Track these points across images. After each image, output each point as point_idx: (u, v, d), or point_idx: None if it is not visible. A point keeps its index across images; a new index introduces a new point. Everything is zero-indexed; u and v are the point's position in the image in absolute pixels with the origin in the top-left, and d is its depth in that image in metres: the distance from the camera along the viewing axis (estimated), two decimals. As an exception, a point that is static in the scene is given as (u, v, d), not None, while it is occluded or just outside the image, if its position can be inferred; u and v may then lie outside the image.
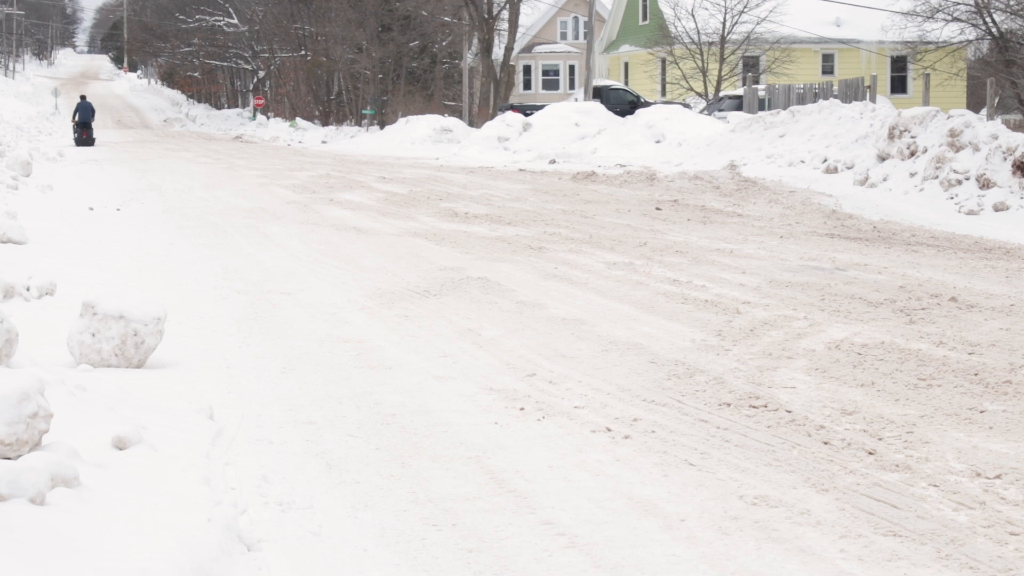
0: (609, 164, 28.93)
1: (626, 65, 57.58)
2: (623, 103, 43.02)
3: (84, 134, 42.87)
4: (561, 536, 5.06)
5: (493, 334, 9.18)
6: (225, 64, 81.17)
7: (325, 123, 59.73)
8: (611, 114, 37.08)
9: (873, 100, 28.94)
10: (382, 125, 52.61)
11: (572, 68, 64.89)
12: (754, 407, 6.97)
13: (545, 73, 65.92)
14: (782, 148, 25.60)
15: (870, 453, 6.10)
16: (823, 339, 8.78)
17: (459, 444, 6.34)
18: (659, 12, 51.93)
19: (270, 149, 44.98)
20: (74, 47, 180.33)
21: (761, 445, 6.27)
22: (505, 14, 52.97)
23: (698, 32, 48.38)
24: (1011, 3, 32.74)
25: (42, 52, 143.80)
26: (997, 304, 10.18)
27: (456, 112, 53.29)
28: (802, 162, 24.04)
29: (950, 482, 5.67)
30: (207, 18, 75.45)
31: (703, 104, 44.98)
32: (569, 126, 35.50)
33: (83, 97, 46.54)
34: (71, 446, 5.12)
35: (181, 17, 78.44)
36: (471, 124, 48.19)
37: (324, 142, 50.60)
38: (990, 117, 23.43)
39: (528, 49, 65.43)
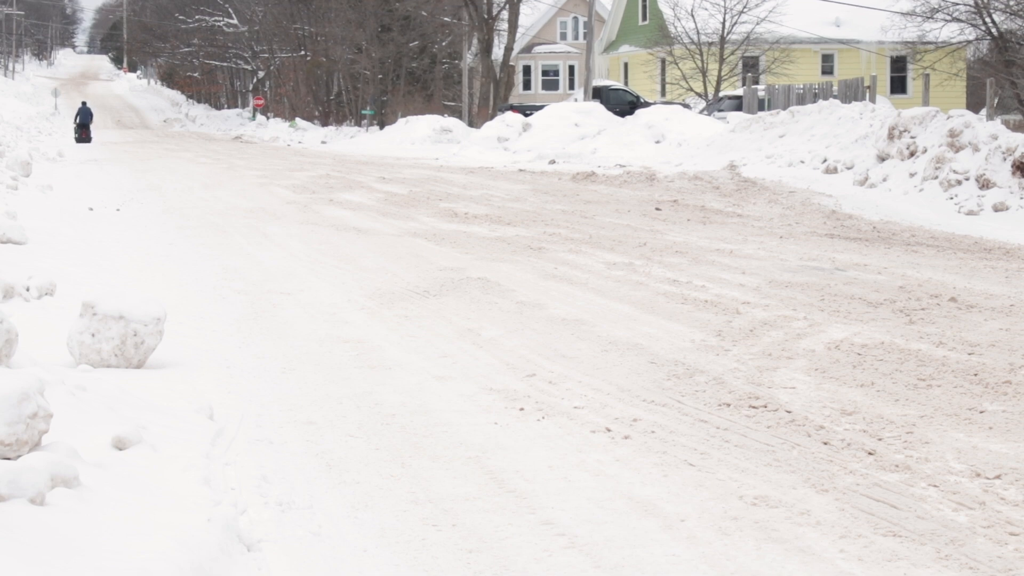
0: (609, 164, 28.94)
1: (626, 65, 57.57)
2: (623, 103, 43.01)
3: (83, 133, 48.06)
4: (561, 536, 5.06)
5: (493, 334, 9.18)
6: (225, 64, 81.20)
7: (325, 123, 59.74)
8: (611, 114, 37.07)
9: (873, 100, 28.94)
10: (382, 125, 52.63)
11: (572, 68, 64.87)
12: (754, 407, 6.97)
13: (545, 73, 65.90)
14: (782, 148, 25.60)
15: (870, 453, 6.10)
16: (823, 339, 8.78)
17: (459, 444, 6.35)
18: (659, 12, 51.92)
19: (270, 149, 44.99)
20: (74, 47, 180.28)
21: (761, 445, 6.27)
22: (505, 14, 52.97)
23: (698, 32, 48.37)
24: (1011, 3, 32.73)
25: (42, 52, 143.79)
26: (997, 304, 10.18)
27: (456, 112, 53.29)
28: (802, 162, 24.05)
29: (950, 482, 5.67)
30: (207, 18, 75.49)
31: (703, 104, 44.97)
32: (569, 126, 35.50)
33: (84, 103, 51.84)
34: (71, 446, 5.11)
35: (181, 17, 78.48)
36: (471, 124, 48.19)
37: (324, 142, 50.63)
38: (990, 117, 23.43)
39: (528, 49, 65.42)
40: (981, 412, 6.85)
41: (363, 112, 55.90)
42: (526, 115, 38.37)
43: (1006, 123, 23.66)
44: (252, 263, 13.34)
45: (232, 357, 8.43)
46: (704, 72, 48.39)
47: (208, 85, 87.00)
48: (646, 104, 41.30)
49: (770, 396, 7.22)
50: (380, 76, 56.27)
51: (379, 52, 55.33)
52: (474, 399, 7.28)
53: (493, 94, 51.43)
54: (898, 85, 51.28)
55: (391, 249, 14.22)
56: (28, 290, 9.85)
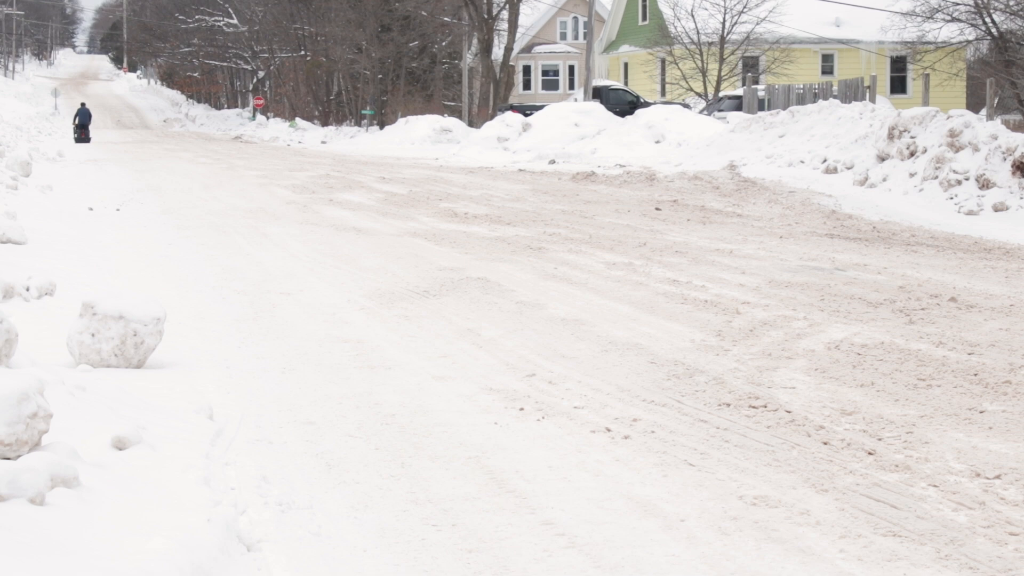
0: (609, 164, 28.95)
1: (626, 65, 57.57)
2: (623, 103, 43.02)
3: (82, 134, 48.69)
4: (561, 536, 5.06)
5: (493, 334, 9.18)
6: (225, 64, 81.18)
7: (325, 123, 59.75)
8: (611, 114, 37.08)
9: (873, 100, 28.94)
10: (382, 125, 52.64)
11: (572, 68, 64.86)
12: (754, 407, 6.97)
13: (545, 73, 65.89)
14: (782, 148, 25.60)
15: (870, 453, 6.10)
16: (823, 339, 8.77)
17: (459, 444, 6.34)
18: (659, 12, 51.92)
19: (269, 149, 44.99)
20: (74, 47, 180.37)
21: (761, 445, 6.27)
22: (505, 14, 52.97)
23: (698, 32, 48.38)
24: (1011, 3, 32.74)
25: (42, 52, 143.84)
26: (997, 304, 10.18)
27: (456, 112, 53.29)
28: (802, 162, 24.05)
29: (950, 482, 5.67)
30: (207, 18, 75.48)
31: (703, 104, 44.98)
32: (569, 126, 35.51)
33: (83, 104, 53.03)
34: (71, 446, 5.11)
35: (181, 17, 78.48)
36: (471, 124, 48.19)
37: (324, 142, 50.63)
38: (990, 117, 23.42)
39: (528, 49, 65.41)
40: (981, 412, 6.85)
41: (363, 112, 55.91)
42: (526, 115, 38.37)
43: (1006, 123, 23.66)
44: (252, 263, 13.34)
45: (232, 357, 8.43)
46: (704, 72, 48.39)
47: (208, 85, 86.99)
48: (646, 104, 41.32)
49: (770, 396, 7.22)
50: (380, 76, 56.27)
51: (379, 52, 55.32)
52: (474, 399, 7.28)
53: (493, 94, 51.43)
54: (898, 85, 51.28)
55: (391, 249, 14.22)
56: (28, 290, 9.85)
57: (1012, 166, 17.62)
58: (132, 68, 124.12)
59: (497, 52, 53.64)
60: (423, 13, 54.41)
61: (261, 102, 68.61)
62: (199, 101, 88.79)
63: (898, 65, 50.52)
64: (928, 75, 31.16)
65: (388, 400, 7.26)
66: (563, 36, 67.65)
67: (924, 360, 8.08)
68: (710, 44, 48.51)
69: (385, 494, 5.59)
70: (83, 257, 13.15)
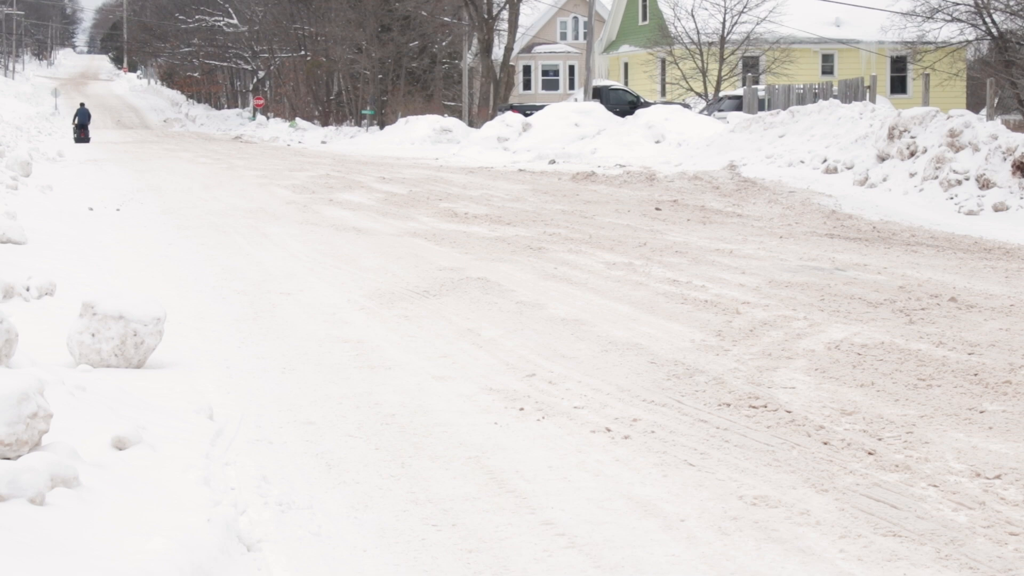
0: (609, 164, 28.95)
1: (626, 65, 57.57)
2: (623, 103, 43.03)
3: (82, 134, 49.00)
4: (561, 536, 5.06)
5: (493, 334, 9.18)
6: (225, 64, 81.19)
7: (325, 123, 59.75)
8: (611, 114, 37.09)
9: (873, 100, 28.94)
10: (382, 125, 52.65)
11: (572, 68, 64.85)
12: (754, 407, 6.97)
13: (545, 73, 65.88)
14: (782, 148, 25.60)
15: (870, 453, 6.10)
16: (823, 339, 8.78)
17: (459, 444, 6.34)
18: (659, 12, 51.92)
19: (269, 149, 44.99)
20: (74, 47, 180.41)
21: (761, 445, 6.27)
22: (505, 14, 52.97)
23: (698, 32, 48.38)
24: (1011, 3, 32.74)
25: (42, 52, 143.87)
26: (997, 304, 10.18)
27: (456, 112, 53.29)
28: (802, 162, 24.05)
29: (950, 482, 5.67)
30: (207, 18, 75.49)
31: (703, 104, 44.98)
32: (569, 126, 35.51)
33: (82, 104, 53.48)
34: (71, 446, 5.11)
35: (181, 17, 78.49)
36: (471, 124, 48.20)
37: (324, 142, 50.64)
38: (990, 117, 23.41)
39: (528, 49, 65.40)
40: (981, 412, 6.85)
41: (363, 112, 55.92)
42: (526, 115, 38.37)
43: (1006, 123, 23.66)
44: (252, 263, 13.34)
45: (232, 357, 8.43)
46: (704, 72, 48.39)
47: (208, 85, 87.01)
48: (646, 104, 41.32)
49: (770, 396, 7.22)
50: (380, 76, 56.27)
51: (379, 52, 55.32)
52: (474, 399, 7.28)
53: (493, 94, 51.43)
54: (898, 85, 51.28)
55: (391, 249, 14.22)
56: (28, 290, 9.85)
57: (1012, 166, 17.62)
58: (132, 68, 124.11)
59: (497, 52, 53.64)
60: (423, 13, 54.42)
61: (261, 102, 68.63)
62: (199, 101, 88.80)
63: (898, 65, 50.52)
64: (928, 75, 31.16)
65: (388, 400, 7.26)
66: (563, 36, 67.64)
67: (924, 360, 8.08)
68: (710, 44, 48.50)
69: (385, 494, 5.59)
70: (83, 257, 13.15)
